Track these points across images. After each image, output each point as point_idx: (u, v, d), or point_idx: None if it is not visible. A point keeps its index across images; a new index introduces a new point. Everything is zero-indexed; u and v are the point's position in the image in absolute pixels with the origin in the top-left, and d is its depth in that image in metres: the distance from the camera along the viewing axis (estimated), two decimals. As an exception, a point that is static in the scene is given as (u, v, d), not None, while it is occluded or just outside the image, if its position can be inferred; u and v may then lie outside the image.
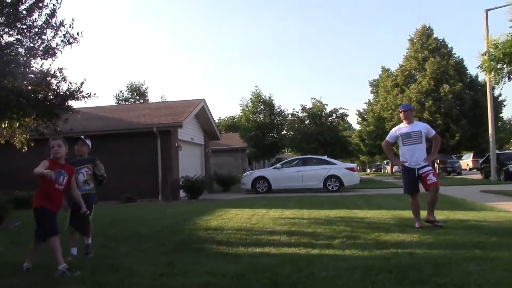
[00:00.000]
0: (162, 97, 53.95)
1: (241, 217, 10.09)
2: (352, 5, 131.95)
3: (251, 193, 20.87)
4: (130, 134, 19.20)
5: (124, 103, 50.91)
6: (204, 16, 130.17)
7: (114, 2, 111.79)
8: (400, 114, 8.30)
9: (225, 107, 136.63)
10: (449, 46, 35.65)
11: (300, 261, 5.25)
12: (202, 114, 23.19)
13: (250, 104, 37.52)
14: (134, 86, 54.97)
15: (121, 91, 54.95)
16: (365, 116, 45.71)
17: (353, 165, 23.27)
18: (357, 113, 49.15)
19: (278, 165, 22.56)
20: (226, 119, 77.28)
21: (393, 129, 8.40)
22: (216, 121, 62.98)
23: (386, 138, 8.36)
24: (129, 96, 54.39)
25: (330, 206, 12.21)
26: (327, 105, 34.46)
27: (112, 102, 53.72)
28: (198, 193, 18.37)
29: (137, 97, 53.98)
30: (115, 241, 7.24)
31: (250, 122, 36.76)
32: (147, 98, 54.32)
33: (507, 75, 10.56)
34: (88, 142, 6.34)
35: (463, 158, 47.73)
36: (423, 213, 7.89)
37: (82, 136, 6.35)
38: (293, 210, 11.56)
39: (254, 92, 37.81)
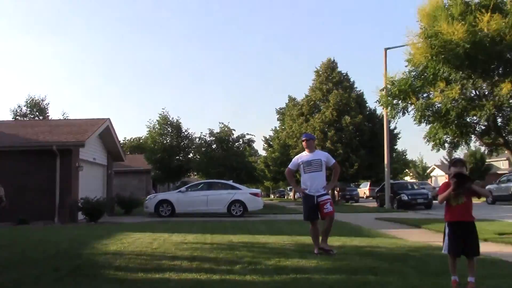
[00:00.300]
0: (64, 115, 51.29)
1: (142, 241, 9.81)
2: (261, 34, 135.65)
3: (154, 217, 20.37)
4: (26, 152, 18.05)
5: (22, 119, 48.01)
6: (116, 32, 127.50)
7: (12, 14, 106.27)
8: (303, 143, 8.53)
9: (131, 127, 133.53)
10: (351, 80, 37.60)
11: (200, 287, 5.18)
12: (106, 133, 22.44)
13: (157, 126, 36.96)
14: (34, 101, 52.04)
15: (19, 106, 51.78)
16: (271, 143, 46.59)
17: (257, 191, 23.53)
18: (263, 139, 50.04)
19: (183, 188, 22.27)
20: (132, 140, 75.35)
21: (295, 157, 8.62)
22: (121, 141, 61.35)
23: (289, 166, 8.57)
24: (28, 111, 51.33)
25: (233, 231, 12.22)
26: (234, 130, 34.85)
27: (9, 117, 50.46)
28: (98, 215, 17.63)
29: (37, 113, 51.07)
30: (1, 267, 6.73)
31: (157, 144, 36.15)
32: (47, 114, 51.60)
33: (401, 110, 11.27)
34: None
35: (360, 186, 50.16)
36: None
37: None
38: (196, 234, 11.43)
39: (161, 114, 37.35)
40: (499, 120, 11.19)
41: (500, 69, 10.19)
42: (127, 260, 7.32)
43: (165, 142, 36.51)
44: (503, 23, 9.35)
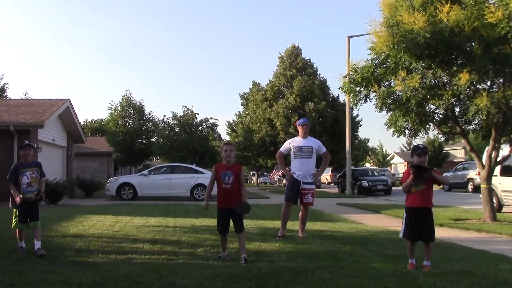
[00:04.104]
0: (26, 95, 49.63)
1: (103, 224, 9.71)
2: (226, 17, 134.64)
3: (115, 200, 20.15)
4: (-18, 132, 17.52)
5: (-23, 98, 46.33)
6: (78, 10, 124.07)
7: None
8: (298, 127, 8.45)
9: (93, 109, 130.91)
10: (315, 66, 37.88)
11: (162, 269, 5.19)
12: (66, 115, 21.95)
13: (119, 108, 36.31)
14: (-9, 80, 50.26)
15: (-25, 85, 49.93)
16: (234, 128, 46.55)
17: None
18: (227, 124, 49.94)
19: (146, 171, 22.11)
20: (93, 121, 73.86)
21: (287, 141, 8.62)
22: (82, 123, 60.11)
23: (280, 149, 8.61)
24: (-16, 91, 49.55)
25: (196, 215, 12.23)
26: (198, 114, 34.59)
27: (-37, 96, 48.55)
28: (57, 198, 17.32)
29: (-6, 93, 49.40)
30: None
31: (119, 126, 35.56)
32: (5, 95, 49.99)
33: (364, 98, 11.44)
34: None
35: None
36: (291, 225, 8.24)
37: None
38: (158, 218, 11.40)
39: (124, 96, 36.68)
40: (456, 109, 11.51)
41: (459, 59, 10.45)
42: (88, 242, 7.25)
43: (127, 124, 35.94)
44: (462, 15, 9.56)
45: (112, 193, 20.90)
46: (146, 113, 37.10)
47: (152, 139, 36.99)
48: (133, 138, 35.30)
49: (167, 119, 34.97)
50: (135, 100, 36.78)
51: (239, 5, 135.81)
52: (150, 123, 37.02)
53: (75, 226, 9.34)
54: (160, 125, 36.09)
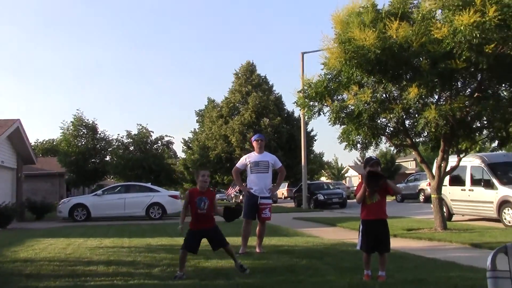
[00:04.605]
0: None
1: (55, 247, 9.41)
2: (181, 34, 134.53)
3: (68, 222, 19.57)
4: None
5: None
6: (28, 32, 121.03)
7: None
8: (254, 143, 8.50)
9: (44, 129, 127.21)
10: (270, 82, 38.32)
11: (118, 291, 5.07)
12: (16, 135, 21.24)
13: (71, 127, 35.50)
14: None
15: None
16: (190, 145, 46.29)
17: (177, 193, 23.33)
18: (182, 141, 49.59)
19: (99, 191, 21.62)
20: (44, 142, 71.81)
21: (243, 157, 8.63)
22: (33, 144, 58.33)
23: (236, 165, 8.57)
24: None
25: (151, 234, 12.03)
26: (153, 132, 34.31)
27: None
28: (6, 222, 16.70)
29: None
30: None
31: (71, 146, 34.73)
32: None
33: (318, 112, 11.63)
34: None
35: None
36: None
37: None
38: (113, 238, 11.15)
39: (76, 115, 35.91)
40: (407, 122, 11.84)
41: (408, 74, 10.78)
42: (39, 267, 6.99)
43: (80, 144, 35.16)
44: (410, 31, 9.90)
45: (64, 215, 20.31)
46: (100, 132, 36.47)
47: (106, 158, 36.34)
48: (86, 158, 34.57)
49: (121, 137, 34.57)
50: (88, 119, 36.13)
51: (193, 21, 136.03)
52: (104, 142, 36.37)
53: (25, 250, 9.00)
54: (114, 144, 35.52)
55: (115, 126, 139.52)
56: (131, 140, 33.77)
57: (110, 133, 71.85)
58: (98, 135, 36.18)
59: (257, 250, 8.20)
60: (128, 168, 31.65)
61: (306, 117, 12.29)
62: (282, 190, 47.83)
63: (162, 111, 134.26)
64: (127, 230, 13.52)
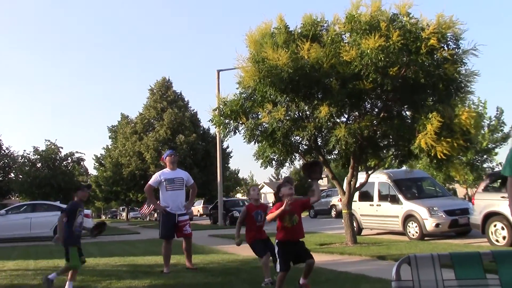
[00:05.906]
0: None
1: (-49, 272, 8.70)
2: (93, 47, 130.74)
3: (-34, 245, 18.16)
4: None
5: None
6: None
7: None
8: (167, 158, 8.30)
9: None
10: (186, 99, 38.20)
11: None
12: None
13: (-30, 143, 33.22)
14: None
15: None
16: (102, 162, 44.85)
17: (88, 212, 22.39)
18: (94, 158, 47.94)
19: (2, 211, 20.25)
20: None
21: (157, 174, 8.39)
22: None
23: (149, 182, 8.33)
24: None
25: (60, 255, 11.37)
26: (62, 148, 32.93)
27: None
28: None
29: None
30: None
31: (-30, 163, 32.47)
32: None
33: (233, 130, 11.75)
34: None
35: (194, 205, 50.63)
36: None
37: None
38: (17, 261, 10.51)
39: (-24, 130, 33.69)
40: (319, 140, 12.26)
41: (319, 93, 11.18)
42: None
43: (-20, 161, 32.97)
44: (321, 52, 10.32)
45: (-39, 237, 18.82)
46: (4, 148, 34.39)
47: (10, 176, 34.30)
48: (-13, 175, 32.44)
49: (27, 153, 32.87)
50: (-11, 135, 33.99)
51: (107, 35, 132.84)
52: (8, 159, 34.32)
53: None
54: (19, 160, 33.64)
55: (21, 142, 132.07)
56: (38, 156, 32.14)
57: (15, 149, 68.20)
58: (1, 151, 34.13)
59: (189, 266, 8.14)
60: (35, 185, 30.08)
61: (221, 135, 12.36)
62: (198, 207, 47.54)
63: (73, 127, 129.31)
64: (33, 252, 12.81)
